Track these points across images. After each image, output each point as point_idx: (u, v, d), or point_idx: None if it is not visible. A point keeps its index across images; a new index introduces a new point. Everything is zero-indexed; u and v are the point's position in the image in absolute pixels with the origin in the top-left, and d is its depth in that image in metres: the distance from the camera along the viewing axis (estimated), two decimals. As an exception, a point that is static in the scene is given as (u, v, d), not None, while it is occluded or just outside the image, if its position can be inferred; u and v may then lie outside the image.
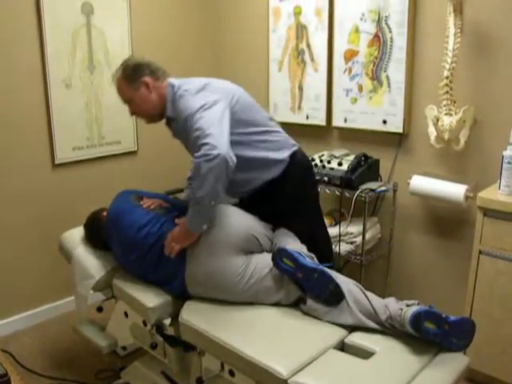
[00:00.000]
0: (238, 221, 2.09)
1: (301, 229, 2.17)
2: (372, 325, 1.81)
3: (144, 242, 2.08)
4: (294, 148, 2.23)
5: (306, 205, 2.27)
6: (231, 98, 2.08)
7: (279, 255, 1.92)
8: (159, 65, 2.21)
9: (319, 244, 2.25)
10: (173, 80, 2.17)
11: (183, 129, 2.01)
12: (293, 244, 2.04)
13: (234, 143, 1.92)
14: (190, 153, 2.10)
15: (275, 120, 2.34)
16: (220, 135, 1.85)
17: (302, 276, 1.89)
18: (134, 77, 2.12)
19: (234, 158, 1.85)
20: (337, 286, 1.86)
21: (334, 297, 1.86)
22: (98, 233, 2.30)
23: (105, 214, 2.29)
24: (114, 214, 2.22)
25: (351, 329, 1.83)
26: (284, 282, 1.96)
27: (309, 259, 1.94)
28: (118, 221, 2.17)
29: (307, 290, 1.90)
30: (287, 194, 2.19)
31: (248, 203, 2.27)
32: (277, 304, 1.97)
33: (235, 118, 2.06)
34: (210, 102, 1.97)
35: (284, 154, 2.18)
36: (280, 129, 2.28)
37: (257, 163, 2.15)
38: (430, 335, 1.68)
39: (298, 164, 2.22)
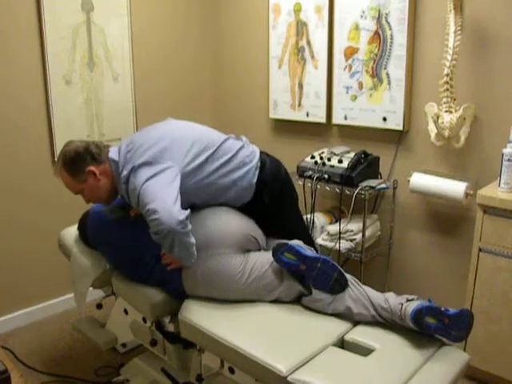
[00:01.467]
0: (236, 220, 2.08)
1: (288, 226, 2.20)
2: (370, 318, 1.83)
3: (136, 252, 2.09)
4: (256, 166, 2.14)
5: (287, 204, 2.27)
6: (178, 159, 1.98)
7: (280, 250, 1.92)
8: (97, 142, 2.12)
9: (297, 235, 2.19)
10: (112, 153, 2.06)
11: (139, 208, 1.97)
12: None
13: (197, 189, 2.01)
14: None
15: (232, 137, 2.22)
16: (164, 205, 1.81)
17: (306, 267, 1.90)
18: (77, 169, 2.03)
19: (183, 217, 1.81)
20: (341, 274, 1.88)
21: (339, 285, 1.88)
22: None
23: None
24: (96, 238, 2.24)
25: (351, 326, 1.83)
26: (284, 277, 1.96)
27: (309, 251, 1.96)
28: (102, 240, 2.21)
29: (312, 281, 1.90)
30: (266, 207, 2.17)
31: None
32: (277, 301, 1.96)
33: (191, 171, 2.01)
34: (154, 173, 1.91)
35: (251, 180, 2.12)
36: (239, 146, 2.16)
37: (227, 197, 2.13)
38: (431, 329, 1.70)
39: (267, 181, 2.15)
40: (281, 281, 1.96)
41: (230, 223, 2.05)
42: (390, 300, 1.81)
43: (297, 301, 1.96)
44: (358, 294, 1.88)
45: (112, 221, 2.19)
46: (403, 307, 1.75)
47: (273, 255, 1.95)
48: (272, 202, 2.16)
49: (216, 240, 1.99)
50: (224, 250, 1.97)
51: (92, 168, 2.02)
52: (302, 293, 1.93)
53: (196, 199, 2.06)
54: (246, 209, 2.16)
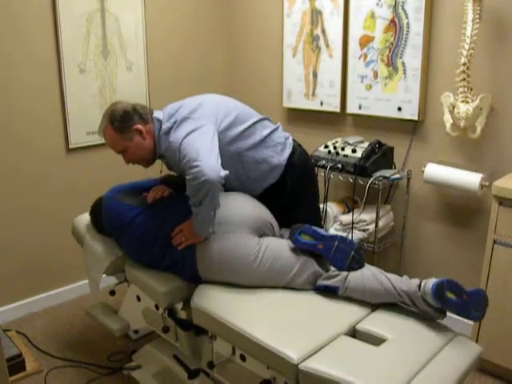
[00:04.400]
0: (255, 206, 2.12)
1: (305, 215, 2.22)
2: (383, 292, 1.84)
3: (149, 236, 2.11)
4: (288, 150, 2.22)
5: (308, 193, 2.31)
6: (216, 120, 2.06)
7: (297, 231, 1.98)
8: (143, 104, 2.18)
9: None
10: (157, 114, 2.14)
11: (174, 162, 2.04)
12: None
13: (229, 157, 2.06)
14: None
15: (266, 117, 2.28)
16: (207, 157, 1.86)
17: (323, 246, 1.94)
18: (125, 127, 2.07)
19: (223, 174, 1.86)
20: (358, 251, 1.92)
21: (356, 262, 1.92)
22: (102, 219, 2.31)
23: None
24: (110, 225, 2.26)
25: (363, 315, 1.83)
26: (299, 259, 1.97)
27: (325, 232, 2.01)
28: (117, 228, 2.21)
29: (330, 260, 1.94)
30: (288, 190, 2.22)
31: None
32: (291, 286, 1.97)
33: (227, 137, 2.07)
34: (195, 127, 1.97)
35: (281, 159, 2.19)
36: (270, 127, 2.24)
37: (256, 174, 2.18)
38: (452, 304, 1.72)
39: (296, 164, 2.22)
40: (296, 261, 1.96)
41: (248, 207, 2.10)
42: (408, 281, 1.84)
43: (310, 288, 1.96)
44: (376, 271, 1.91)
45: (127, 207, 2.20)
46: (422, 284, 1.77)
47: (290, 237, 1.99)
48: (294, 186, 2.20)
49: (234, 219, 2.02)
50: (241, 229, 2.00)
51: (139, 126, 2.08)
52: (317, 274, 1.94)
53: (226, 167, 2.04)
54: (265, 195, 2.21)
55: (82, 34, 2.97)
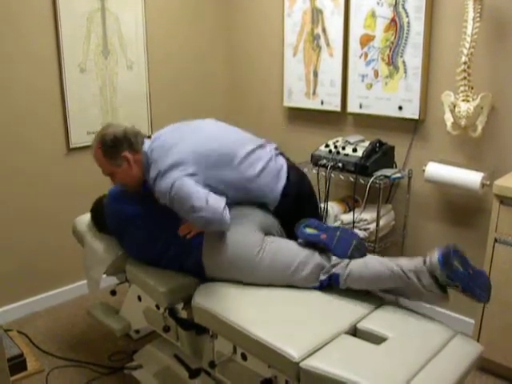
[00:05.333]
0: (267, 213, 2.17)
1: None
2: (392, 282, 1.85)
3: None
4: (282, 182, 2.16)
5: (307, 212, 2.25)
6: (199, 163, 2.01)
7: (302, 224, 2.05)
8: (135, 129, 2.13)
9: None
10: (146, 146, 2.10)
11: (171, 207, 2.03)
12: None
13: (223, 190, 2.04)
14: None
15: (258, 146, 2.20)
16: (202, 202, 1.91)
17: (326, 236, 1.99)
18: (113, 152, 2.08)
19: (225, 204, 1.96)
20: (360, 241, 1.97)
21: (358, 251, 1.95)
22: (103, 218, 2.32)
23: None
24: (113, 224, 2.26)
25: (364, 313, 1.82)
26: (302, 253, 1.99)
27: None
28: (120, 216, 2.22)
29: (332, 249, 1.97)
30: (286, 213, 2.19)
31: None
32: (294, 279, 1.97)
33: (213, 178, 2.03)
34: (180, 175, 1.95)
35: (274, 194, 2.15)
36: (263, 159, 2.16)
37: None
38: (459, 275, 1.71)
39: (291, 194, 2.18)
40: (299, 253, 1.98)
41: (260, 212, 2.14)
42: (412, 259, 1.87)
43: (314, 283, 1.96)
44: (378, 257, 1.96)
45: (134, 200, 2.21)
46: (427, 258, 1.79)
47: (295, 231, 2.04)
48: (292, 209, 2.19)
49: (243, 214, 2.07)
50: (250, 222, 2.05)
51: (127, 154, 2.07)
52: (321, 267, 1.95)
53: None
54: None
55: (83, 34, 2.97)
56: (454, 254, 1.73)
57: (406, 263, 1.85)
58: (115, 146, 2.07)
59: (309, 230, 2.02)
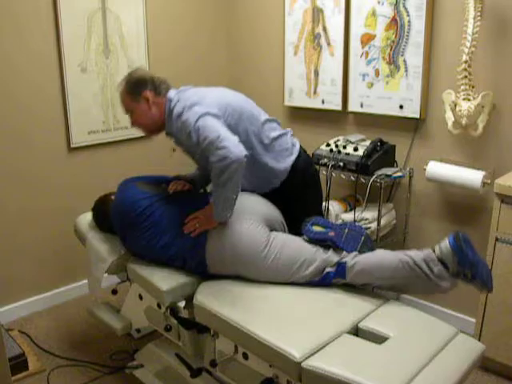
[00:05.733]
0: (269, 204, 2.20)
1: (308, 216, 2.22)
2: (401, 273, 1.86)
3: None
4: (293, 156, 2.28)
5: (311, 198, 2.37)
6: (225, 111, 2.09)
7: (309, 223, 2.06)
8: (163, 78, 2.23)
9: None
10: (172, 93, 2.18)
11: (187, 144, 2.11)
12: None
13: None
14: (196, 161, 2.34)
15: (275, 119, 2.33)
16: (230, 137, 1.93)
17: (334, 234, 1.99)
18: (135, 90, 2.15)
19: (246, 153, 1.92)
20: (367, 236, 1.98)
21: (366, 247, 1.98)
22: (106, 216, 2.32)
23: (113, 197, 2.32)
24: (123, 206, 2.23)
25: (366, 313, 1.83)
26: (308, 249, 2.00)
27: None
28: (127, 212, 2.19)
29: (341, 246, 1.98)
30: (291, 194, 2.29)
31: None
32: (300, 276, 1.97)
33: (236, 128, 2.10)
34: (206, 111, 2.00)
35: (286, 165, 2.25)
36: (279, 130, 2.30)
37: (256, 177, 2.24)
38: (469, 259, 1.74)
39: (299, 170, 2.29)
40: (305, 250, 1.99)
41: (262, 205, 2.18)
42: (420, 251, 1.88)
43: (320, 276, 1.97)
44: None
45: (145, 194, 2.20)
46: (436, 247, 1.81)
47: (302, 229, 2.05)
48: (297, 191, 2.28)
49: (248, 210, 2.08)
50: (254, 216, 2.06)
51: (148, 94, 2.14)
52: (327, 263, 1.96)
53: None
54: (268, 197, 2.26)
55: (83, 33, 2.96)
56: (462, 238, 1.76)
57: (414, 253, 1.87)
58: (138, 84, 2.16)
59: (316, 228, 2.03)
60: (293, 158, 2.27)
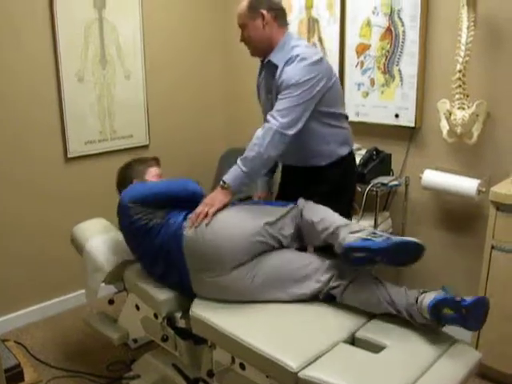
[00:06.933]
0: (240, 228, 1.98)
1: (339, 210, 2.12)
2: (392, 310, 1.81)
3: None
4: (351, 147, 2.39)
5: (346, 195, 2.39)
6: (331, 79, 2.19)
7: (349, 253, 1.83)
8: (284, 11, 2.29)
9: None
10: (293, 35, 2.30)
11: (276, 84, 2.16)
12: (329, 218, 2.00)
13: (312, 119, 2.15)
14: (265, 110, 2.31)
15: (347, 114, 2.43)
16: (297, 119, 2.05)
17: (382, 258, 1.84)
18: (255, 6, 2.19)
19: (292, 133, 2.05)
20: (416, 245, 1.86)
21: (413, 258, 1.90)
22: (127, 179, 2.29)
23: (134, 181, 2.26)
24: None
25: (362, 322, 1.83)
26: (299, 273, 1.95)
27: (371, 236, 1.84)
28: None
29: (391, 264, 1.93)
30: (335, 183, 2.29)
31: (290, 179, 2.44)
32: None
33: (325, 96, 2.16)
34: (313, 80, 2.08)
35: (345, 151, 2.32)
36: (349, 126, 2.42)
37: (322, 147, 2.27)
38: (449, 319, 1.69)
39: (350, 164, 2.38)
40: (296, 271, 1.95)
41: (234, 235, 1.96)
42: (407, 294, 1.80)
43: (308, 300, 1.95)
44: (378, 284, 1.89)
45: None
46: (419, 300, 1.73)
47: (343, 261, 1.90)
48: (342, 179, 2.33)
49: (221, 258, 1.94)
50: (232, 264, 1.93)
51: (266, 14, 2.18)
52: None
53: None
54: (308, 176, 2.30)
55: (81, 43, 2.98)
56: (444, 303, 1.67)
57: (398, 299, 1.79)
58: (260, 2, 2.19)
59: (358, 256, 1.81)
60: (350, 148, 2.36)
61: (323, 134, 2.23)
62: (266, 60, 2.25)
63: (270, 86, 2.27)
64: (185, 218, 2.03)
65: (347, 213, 2.35)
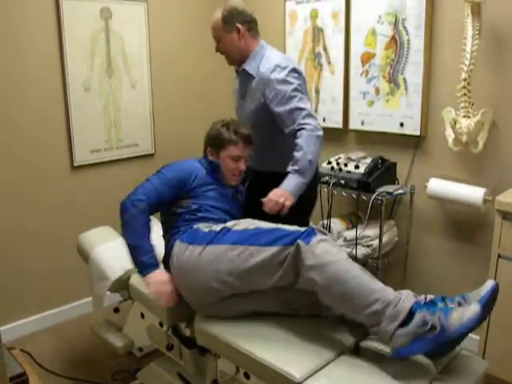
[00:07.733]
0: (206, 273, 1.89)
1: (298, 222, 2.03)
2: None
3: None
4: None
5: (309, 204, 2.45)
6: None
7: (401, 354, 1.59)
8: (255, 20, 2.37)
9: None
10: (267, 45, 2.37)
11: (260, 91, 2.25)
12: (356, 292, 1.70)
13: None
14: (239, 112, 2.51)
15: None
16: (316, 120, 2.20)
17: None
18: (231, 18, 2.28)
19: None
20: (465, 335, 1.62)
21: (448, 349, 1.64)
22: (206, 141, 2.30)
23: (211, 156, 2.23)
24: None
25: (366, 332, 1.81)
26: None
27: (423, 329, 1.56)
28: None
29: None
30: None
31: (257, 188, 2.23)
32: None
33: None
34: (302, 89, 2.22)
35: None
36: None
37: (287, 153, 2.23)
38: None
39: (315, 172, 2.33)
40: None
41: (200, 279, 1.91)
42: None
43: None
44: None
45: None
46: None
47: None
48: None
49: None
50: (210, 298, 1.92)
51: (241, 27, 2.29)
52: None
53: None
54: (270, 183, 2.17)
55: (87, 53, 3.01)
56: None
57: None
58: (235, 15, 2.28)
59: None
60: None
61: (290, 141, 2.20)
62: (241, 68, 2.36)
63: (243, 92, 2.39)
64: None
65: (307, 223, 2.38)
